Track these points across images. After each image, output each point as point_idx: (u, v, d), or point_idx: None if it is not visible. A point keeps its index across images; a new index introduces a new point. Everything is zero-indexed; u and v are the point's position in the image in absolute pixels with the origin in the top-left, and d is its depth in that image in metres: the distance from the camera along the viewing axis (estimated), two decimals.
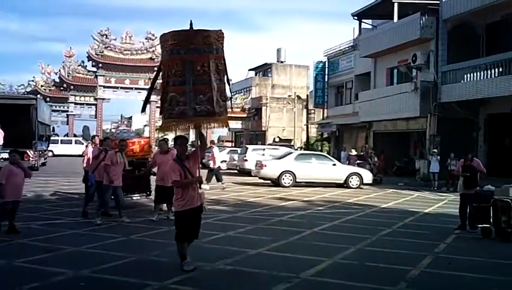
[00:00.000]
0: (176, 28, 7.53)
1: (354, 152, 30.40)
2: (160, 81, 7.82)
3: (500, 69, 23.62)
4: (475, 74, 25.15)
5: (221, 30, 7.58)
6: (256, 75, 70.25)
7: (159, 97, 7.98)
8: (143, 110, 10.42)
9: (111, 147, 12.32)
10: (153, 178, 13.47)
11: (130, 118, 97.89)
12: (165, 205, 12.56)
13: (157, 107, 65.07)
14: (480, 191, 11.50)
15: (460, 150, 13.18)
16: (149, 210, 13.36)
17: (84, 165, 14.35)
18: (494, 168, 25.03)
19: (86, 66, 62.93)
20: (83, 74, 62.17)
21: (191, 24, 7.36)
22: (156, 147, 15.77)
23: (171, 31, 7.42)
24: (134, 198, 14.95)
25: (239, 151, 32.77)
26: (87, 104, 62.75)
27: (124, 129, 15.91)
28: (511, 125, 26.02)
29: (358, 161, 28.22)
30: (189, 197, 7.42)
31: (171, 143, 17.65)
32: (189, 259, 7.62)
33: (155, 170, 12.79)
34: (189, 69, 7.20)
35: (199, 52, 7.26)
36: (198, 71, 7.23)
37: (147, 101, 9.50)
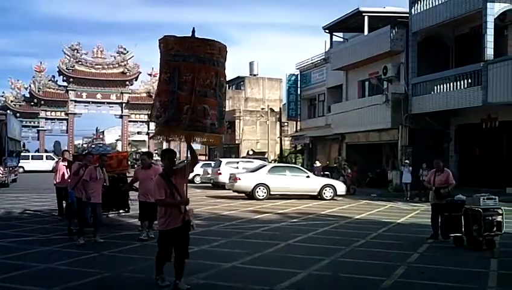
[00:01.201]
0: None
1: (318, 164, 31.94)
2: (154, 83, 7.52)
3: (469, 80, 24.01)
4: (445, 85, 25.52)
5: (225, 45, 7.18)
6: (229, 88, 70.24)
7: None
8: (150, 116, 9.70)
9: (91, 162, 11.66)
10: (133, 194, 13.29)
11: (102, 132, 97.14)
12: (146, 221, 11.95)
13: (145, 114, 64.87)
14: (452, 200, 11.63)
15: (432, 160, 13.28)
16: (123, 225, 13.27)
17: (56, 181, 14.15)
18: (465, 177, 25.40)
19: (57, 80, 62.43)
20: (53, 89, 61.65)
21: (193, 31, 6.92)
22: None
23: (174, 36, 6.99)
24: (110, 215, 14.35)
25: (213, 165, 32.68)
26: (58, 119, 62.18)
27: (99, 143, 15.41)
28: (480, 135, 26.46)
29: (323, 172, 28.68)
30: (173, 216, 7.01)
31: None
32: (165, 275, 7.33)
33: (137, 184, 12.22)
34: (195, 78, 6.76)
35: (204, 62, 6.84)
36: (204, 82, 6.82)
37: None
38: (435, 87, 26.24)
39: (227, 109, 7.08)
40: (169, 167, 7.21)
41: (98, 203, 11.15)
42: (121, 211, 14.42)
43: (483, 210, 10.81)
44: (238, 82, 66.56)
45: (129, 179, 13.48)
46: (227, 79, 7.98)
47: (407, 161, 25.56)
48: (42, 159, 50.30)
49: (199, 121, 6.76)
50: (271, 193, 22.84)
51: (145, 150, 66.87)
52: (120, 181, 13.80)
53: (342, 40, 37.61)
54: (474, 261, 9.74)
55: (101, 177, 11.21)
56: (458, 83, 24.67)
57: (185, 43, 6.81)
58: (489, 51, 23.18)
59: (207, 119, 6.82)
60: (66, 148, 39.95)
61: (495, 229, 10.93)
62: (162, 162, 7.39)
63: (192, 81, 6.73)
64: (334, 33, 37.17)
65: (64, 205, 13.94)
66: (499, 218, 11.01)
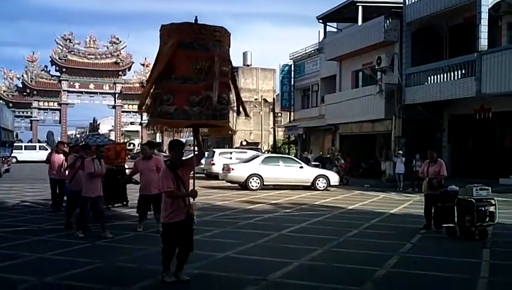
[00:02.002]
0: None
1: (305, 154, 32.20)
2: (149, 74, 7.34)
3: (463, 71, 24.03)
4: (438, 75, 25.53)
5: (227, 29, 6.95)
6: None
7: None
8: (139, 107, 9.15)
9: (89, 154, 11.14)
10: (130, 187, 13.19)
11: (98, 123, 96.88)
12: (146, 216, 11.49)
13: (133, 105, 64.68)
14: (445, 191, 11.64)
15: (425, 151, 13.29)
16: (116, 215, 13.26)
17: (51, 172, 14.08)
18: (458, 168, 25.52)
19: (50, 70, 62.17)
20: (46, 79, 61.37)
21: (195, 20, 6.69)
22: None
23: (173, 23, 6.75)
24: (111, 208, 13.98)
25: (206, 155, 32.65)
26: (51, 109, 61.95)
27: (96, 134, 14.75)
28: (474, 126, 26.54)
29: (314, 163, 28.78)
30: (179, 209, 6.84)
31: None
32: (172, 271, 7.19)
33: (136, 177, 11.90)
34: (194, 66, 6.54)
35: (206, 48, 6.59)
36: (202, 69, 6.56)
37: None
38: (429, 78, 26.26)
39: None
40: (177, 158, 6.98)
41: (98, 197, 10.56)
42: (119, 204, 13.97)
43: (476, 201, 10.85)
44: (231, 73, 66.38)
45: (127, 171, 13.38)
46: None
47: (400, 152, 25.60)
48: (35, 149, 50.08)
49: (209, 110, 6.52)
50: (264, 183, 22.86)
51: (137, 140, 66.92)
52: (118, 173, 13.25)
53: (335, 30, 37.53)
54: (466, 252, 9.78)
55: (98, 169, 10.58)
56: (452, 73, 24.69)
57: (192, 29, 6.61)
58: (483, 42, 23.19)
59: (210, 109, 6.55)
60: (61, 140, 39.79)
61: (488, 219, 10.97)
62: (170, 153, 7.12)
63: (207, 69, 6.55)
64: (328, 23, 37.06)
65: (65, 198, 13.29)
66: (492, 208, 11.05)
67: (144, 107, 7.09)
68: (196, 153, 7.10)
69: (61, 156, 13.85)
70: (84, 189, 10.47)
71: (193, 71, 6.54)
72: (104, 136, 15.27)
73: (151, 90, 6.84)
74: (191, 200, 6.98)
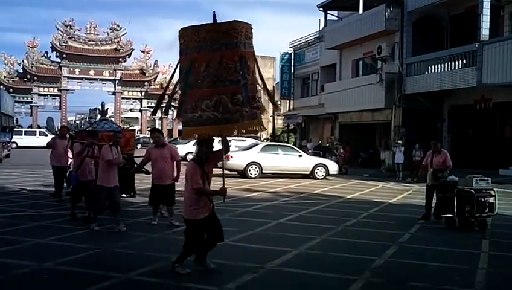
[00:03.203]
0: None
1: (304, 142, 32.50)
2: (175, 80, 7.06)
3: (464, 61, 23.96)
4: (439, 65, 25.46)
5: (249, 24, 6.63)
6: None
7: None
8: (153, 113, 8.77)
9: (98, 140, 10.68)
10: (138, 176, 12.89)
11: (95, 109, 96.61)
12: (159, 207, 11.11)
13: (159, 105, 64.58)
14: (444, 181, 11.64)
15: (424, 140, 13.27)
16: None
17: (54, 159, 13.35)
18: (458, 158, 25.41)
19: (50, 56, 62.00)
20: (46, 65, 61.23)
21: (214, 16, 6.44)
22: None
23: (191, 26, 6.49)
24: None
25: None
26: (51, 95, 61.85)
27: (104, 119, 13.78)
28: (474, 116, 26.51)
29: (315, 151, 28.83)
30: (204, 205, 6.79)
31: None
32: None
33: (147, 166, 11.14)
34: (215, 67, 6.29)
35: (228, 47, 6.32)
36: (225, 69, 6.31)
37: (159, 104, 8.24)
38: (429, 68, 26.19)
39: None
40: (206, 155, 6.77)
41: (115, 187, 9.89)
42: (127, 195, 13.14)
43: (476, 191, 10.84)
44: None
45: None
46: None
47: (399, 141, 25.58)
48: (35, 135, 50.07)
49: (228, 112, 6.28)
50: (263, 171, 22.87)
51: (137, 127, 66.76)
52: (128, 162, 12.31)
53: (336, 18, 37.41)
54: (465, 242, 9.79)
55: (116, 157, 9.84)
56: (453, 63, 24.62)
57: (206, 31, 6.35)
58: (485, 32, 23.12)
59: (238, 106, 6.34)
60: (64, 124, 39.56)
61: (487, 210, 10.97)
62: (198, 148, 6.84)
63: (212, 71, 6.30)
64: (328, 11, 36.95)
65: (70, 187, 12.80)
66: (491, 199, 11.05)
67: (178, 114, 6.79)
68: (224, 149, 6.92)
69: (65, 141, 13.15)
70: (100, 178, 9.77)
71: (209, 74, 6.31)
72: (112, 122, 14.70)
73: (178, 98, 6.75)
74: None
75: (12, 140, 36.40)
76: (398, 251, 8.94)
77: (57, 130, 63.34)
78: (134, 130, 22.09)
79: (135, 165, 12.27)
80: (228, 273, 7.12)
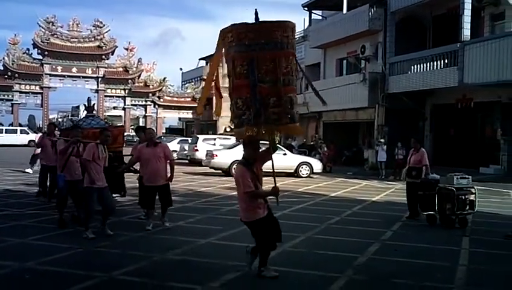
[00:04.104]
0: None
1: (289, 140, 31.70)
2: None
3: (446, 61, 24.20)
4: (422, 65, 25.69)
5: (293, 22, 6.56)
6: (207, 64, 69.77)
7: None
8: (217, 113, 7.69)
9: (82, 137, 10.12)
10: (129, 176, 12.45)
11: (77, 107, 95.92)
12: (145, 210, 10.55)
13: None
14: (426, 179, 11.75)
15: (407, 139, 13.38)
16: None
17: (47, 158, 12.56)
18: (439, 157, 25.74)
19: (32, 53, 61.29)
20: (28, 62, 60.53)
21: (256, 13, 6.29)
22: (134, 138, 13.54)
23: (234, 24, 6.39)
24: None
25: (190, 141, 32.61)
26: (32, 92, 61.16)
27: (91, 116, 12.89)
28: (455, 115, 26.76)
29: (301, 150, 28.92)
30: (260, 205, 6.73)
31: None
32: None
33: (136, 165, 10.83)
34: (277, 66, 6.21)
35: (282, 47, 6.27)
36: (286, 69, 6.27)
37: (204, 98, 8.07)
38: (412, 67, 26.42)
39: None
40: (252, 155, 6.76)
41: (105, 187, 9.32)
42: (116, 195, 12.57)
43: (457, 189, 10.96)
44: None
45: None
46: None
47: (382, 140, 25.75)
48: (16, 133, 49.65)
49: (287, 112, 6.34)
50: None
51: (119, 124, 66.36)
52: (116, 160, 11.66)
53: (320, 18, 37.52)
54: (446, 240, 9.89)
55: (103, 156, 9.30)
56: (435, 63, 24.86)
57: (259, 29, 6.22)
58: (466, 32, 23.38)
59: (293, 110, 6.42)
60: (47, 123, 38.84)
61: (468, 208, 11.10)
62: (245, 150, 6.83)
63: (274, 70, 6.23)
64: (313, 11, 37.04)
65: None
66: (472, 197, 11.18)
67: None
68: (266, 148, 6.88)
69: (54, 139, 12.41)
70: (89, 178, 9.09)
71: (280, 71, 6.25)
72: (99, 118, 14.10)
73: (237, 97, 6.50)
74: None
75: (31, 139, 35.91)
76: (380, 248, 9.02)
77: (38, 128, 62.82)
78: (123, 126, 21.29)
79: (124, 164, 11.79)
80: (212, 271, 7.14)
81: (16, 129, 51.89)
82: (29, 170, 20.73)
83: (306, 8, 36.75)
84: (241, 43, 6.26)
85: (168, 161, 10.29)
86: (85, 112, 13.53)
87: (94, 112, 13.12)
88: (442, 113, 28.00)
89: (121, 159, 12.19)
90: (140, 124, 60.74)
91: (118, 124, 37.17)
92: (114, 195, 12.07)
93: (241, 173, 6.63)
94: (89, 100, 13.79)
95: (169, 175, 10.26)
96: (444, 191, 11.08)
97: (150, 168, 9.97)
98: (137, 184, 11.01)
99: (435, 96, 27.46)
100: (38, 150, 20.85)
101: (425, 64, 25.45)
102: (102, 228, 9.34)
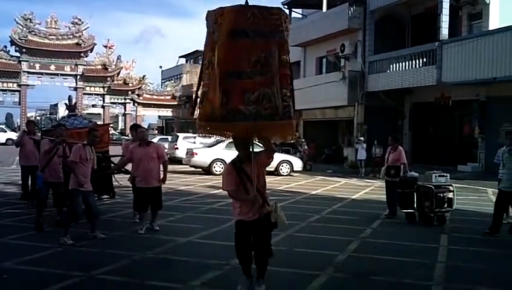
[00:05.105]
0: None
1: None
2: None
3: (424, 60, 24.42)
4: (400, 63, 25.89)
5: (284, 10, 5.96)
6: (187, 62, 69.71)
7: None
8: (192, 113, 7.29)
9: (65, 137, 9.72)
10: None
11: (56, 105, 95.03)
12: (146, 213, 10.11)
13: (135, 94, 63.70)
14: (405, 177, 11.85)
15: (386, 137, 13.47)
16: None
17: (27, 158, 12.29)
18: (418, 155, 25.99)
19: (9, 51, 60.48)
20: (5, 59, 59.73)
21: (246, 2, 5.70)
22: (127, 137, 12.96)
23: (221, 7, 5.64)
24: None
25: (170, 139, 32.49)
26: (10, 90, 60.37)
27: (73, 115, 12.29)
28: (434, 114, 27.03)
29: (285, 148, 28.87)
30: (245, 206, 6.11)
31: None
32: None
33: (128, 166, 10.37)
34: (249, 58, 5.53)
35: (262, 35, 5.59)
36: (258, 61, 5.55)
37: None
38: (391, 66, 26.61)
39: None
40: (243, 154, 6.09)
41: (90, 191, 8.94)
42: (105, 196, 12.45)
43: (435, 187, 11.08)
44: (197, 56, 65.87)
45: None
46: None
47: (361, 138, 25.88)
48: None
49: (279, 107, 5.55)
50: None
51: (100, 123, 65.89)
52: (104, 160, 11.35)
53: (300, 16, 37.59)
54: (425, 237, 9.98)
55: (90, 158, 8.89)
56: (413, 61, 25.07)
57: (245, 14, 5.52)
58: (444, 31, 23.62)
59: (278, 104, 5.57)
60: (31, 119, 38.35)
61: (446, 205, 11.21)
62: (236, 149, 6.20)
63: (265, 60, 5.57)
64: (293, 9, 37.04)
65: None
66: (450, 195, 11.31)
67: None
68: (263, 149, 6.19)
69: (34, 138, 12.20)
70: (75, 181, 8.68)
71: (248, 64, 5.54)
72: (83, 117, 13.51)
73: (200, 89, 5.79)
74: (271, 202, 6.24)
75: None
76: (360, 245, 9.09)
77: (16, 126, 62.16)
78: (109, 124, 20.57)
79: (112, 164, 11.46)
80: (193, 270, 7.14)
81: None
82: None
83: (286, 6, 36.68)
84: (227, 29, 5.55)
85: (162, 162, 9.87)
86: (66, 111, 13.23)
87: (76, 111, 12.84)
88: (421, 111, 28.25)
89: (109, 159, 11.82)
90: (120, 122, 60.36)
91: (104, 123, 36.59)
92: (103, 196, 12.18)
93: (226, 170, 6.35)
94: (70, 99, 13.55)
95: (162, 176, 9.91)
96: (423, 189, 11.19)
97: (142, 168, 9.58)
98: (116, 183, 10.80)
99: (413, 94, 27.70)
100: None
101: (404, 63, 25.65)
102: (93, 236, 8.92)
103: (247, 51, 5.53)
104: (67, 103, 13.31)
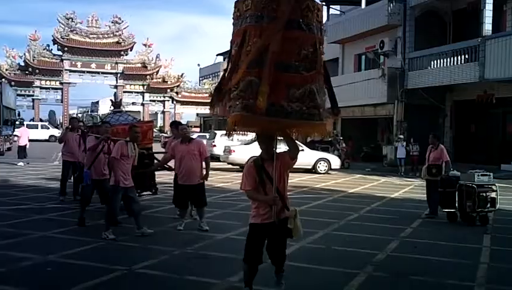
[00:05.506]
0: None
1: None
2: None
3: (466, 56, 23.97)
4: (441, 60, 25.46)
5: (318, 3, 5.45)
6: (224, 60, 69.92)
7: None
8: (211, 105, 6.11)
9: (110, 134, 9.83)
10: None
11: (97, 102, 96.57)
12: (188, 210, 10.21)
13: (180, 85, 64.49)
14: (446, 176, 11.65)
15: (426, 135, 13.24)
16: None
17: (70, 154, 12.59)
18: (460, 154, 25.52)
19: (52, 49, 61.92)
20: (48, 58, 61.15)
21: None
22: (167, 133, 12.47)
23: None
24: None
25: (207, 137, 32.66)
26: (52, 88, 61.81)
27: (118, 111, 12.58)
28: (476, 111, 26.50)
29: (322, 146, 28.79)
30: (262, 209, 5.65)
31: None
32: None
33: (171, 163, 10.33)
34: (298, 51, 5.18)
35: (310, 29, 5.22)
36: (306, 56, 5.21)
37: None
38: (432, 63, 26.19)
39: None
40: (266, 152, 5.65)
41: (131, 187, 8.97)
42: (147, 193, 12.26)
43: (478, 186, 10.86)
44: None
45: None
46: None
47: (401, 136, 25.59)
48: (37, 128, 50.05)
49: (311, 106, 5.23)
50: None
51: (149, 120, 66.58)
52: (147, 157, 11.35)
53: (339, 13, 37.32)
54: (467, 237, 9.80)
55: (132, 155, 8.93)
56: (455, 58, 24.63)
57: (301, 4, 5.19)
58: (487, 27, 23.11)
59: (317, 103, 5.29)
60: (73, 116, 38.94)
61: (489, 205, 10.98)
62: (259, 145, 5.74)
63: (293, 52, 5.18)
64: (331, 6, 36.84)
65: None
66: (493, 194, 11.06)
67: (218, 96, 5.52)
68: (289, 149, 5.70)
69: (77, 135, 12.36)
70: (115, 177, 8.77)
71: (297, 57, 5.17)
72: (127, 113, 13.41)
73: (238, 75, 5.14)
74: (291, 208, 5.73)
75: (14, 133, 36.43)
76: (400, 245, 8.98)
77: (58, 123, 63.40)
78: (152, 121, 20.68)
79: (155, 161, 11.44)
80: (231, 266, 7.14)
81: (37, 124, 52.30)
82: (21, 164, 22.24)
83: (324, 3, 36.52)
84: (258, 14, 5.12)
85: (203, 158, 9.78)
86: (111, 108, 13.31)
87: (121, 107, 12.92)
88: (462, 109, 27.74)
89: (152, 156, 11.80)
90: (159, 120, 61.01)
91: (147, 120, 36.90)
92: (145, 193, 12.07)
93: (246, 169, 5.77)
94: (115, 95, 13.73)
95: (204, 173, 9.82)
96: (465, 189, 10.98)
97: (184, 166, 9.48)
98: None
99: (455, 92, 27.21)
100: (22, 143, 22.14)
101: (445, 60, 25.23)
102: (141, 233, 8.91)
103: (298, 44, 5.19)
104: (113, 99, 13.44)
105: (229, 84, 5.26)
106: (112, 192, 8.85)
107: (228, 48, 5.83)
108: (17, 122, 29.17)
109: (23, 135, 23.60)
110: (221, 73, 6.17)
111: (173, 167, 10.02)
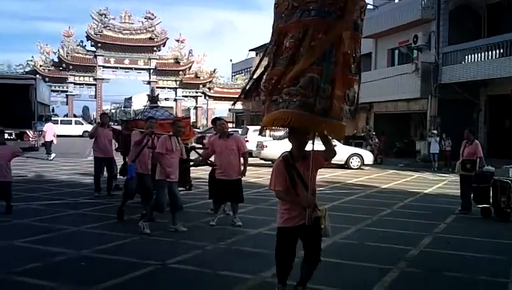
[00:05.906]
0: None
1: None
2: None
3: (501, 51, 23.58)
4: (476, 55, 25.10)
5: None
6: (257, 55, 69.92)
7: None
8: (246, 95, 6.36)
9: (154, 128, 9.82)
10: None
11: (130, 98, 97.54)
12: (223, 207, 10.23)
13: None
14: (480, 172, 11.52)
15: (460, 131, 13.10)
16: None
17: (101, 150, 12.75)
18: (494, 149, 25.11)
19: (85, 45, 62.70)
20: (82, 54, 61.92)
21: None
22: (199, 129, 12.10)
23: None
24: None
25: (240, 132, 32.76)
26: (86, 84, 62.60)
27: (155, 106, 12.28)
28: (511, 106, 26.03)
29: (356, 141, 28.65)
30: (292, 211, 5.37)
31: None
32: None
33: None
34: (354, 52, 5.11)
35: (361, 31, 5.25)
36: (357, 58, 5.16)
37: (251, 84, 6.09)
38: (466, 57, 25.83)
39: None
40: (298, 149, 5.37)
41: (175, 182, 9.00)
42: (181, 188, 11.82)
43: None
44: (267, 49, 66.14)
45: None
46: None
47: (434, 131, 25.33)
48: (71, 123, 50.80)
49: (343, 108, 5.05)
50: None
51: (186, 115, 66.97)
52: (188, 152, 11.19)
53: (372, 7, 36.98)
54: (501, 233, 9.70)
55: (177, 149, 8.93)
56: (490, 52, 24.27)
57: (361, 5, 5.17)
58: None
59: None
60: (105, 111, 39.22)
61: None
62: (291, 142, 5.45)
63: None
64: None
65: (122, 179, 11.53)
66: None
67: (269, 88, 5.25)
68: (325, 149, 5.43)
69: (108, 130, 12.75)
70: (161, 171, 8.78)
71: (353, 59, 5.12)
72: (164, 109, 13.27)
73: (297, 69, 4.92)
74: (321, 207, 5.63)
75: (40, 128, 36.97)
76: (433, 241, 8.91)
77: (92, 118, 64.23)
78: (189, 117, 20.33)
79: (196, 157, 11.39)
80: (264, 261, 7.17)
81: (71, 120, 53.07)
82: (53, 155, 23.29)
83: None
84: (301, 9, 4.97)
85: (241, 153, 9.78)
86: (148, 102, 13.36)
87: (158, 103, 12.99)
88: (497, 104, 27.28)
89: (189, 152, 11.63)
90: (191, 115, 61.36)
91: (184, 116, 36.92)
92: (180, 188, 12.23)
93: (276, 167, 5.48)
94: (152, 90, 13.78)
95: (242, 168, 9.82)
96: (499, 184, 10.85)
97: (223, 161, 9.55)
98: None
99: (489, 86, 26.77)
100: (48, 139, 22.55)
101: (480, 54, 24.86)
102: (175, 229, 8.99)
103: (357, 46, 5.15)
104: (150, 94, 13.46)
105: (282, 77, 5.03)
106: (159, 186, 8.86)
107: (261, 43, 5.74)
108: (43, 119, 29.58)
109: (49, 131, 23.94)
110: (253, 68, 6.04)
111: (215, 163, 10.01)
